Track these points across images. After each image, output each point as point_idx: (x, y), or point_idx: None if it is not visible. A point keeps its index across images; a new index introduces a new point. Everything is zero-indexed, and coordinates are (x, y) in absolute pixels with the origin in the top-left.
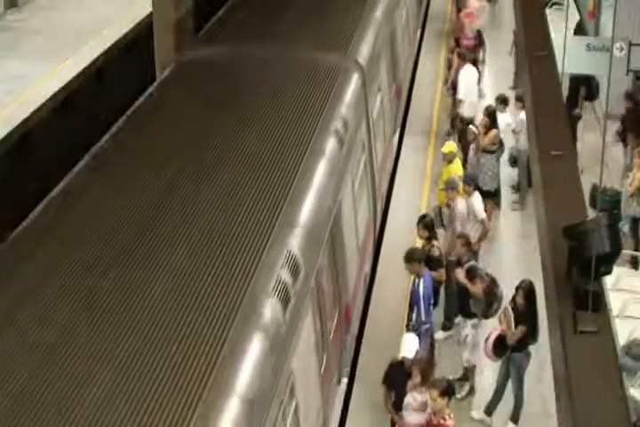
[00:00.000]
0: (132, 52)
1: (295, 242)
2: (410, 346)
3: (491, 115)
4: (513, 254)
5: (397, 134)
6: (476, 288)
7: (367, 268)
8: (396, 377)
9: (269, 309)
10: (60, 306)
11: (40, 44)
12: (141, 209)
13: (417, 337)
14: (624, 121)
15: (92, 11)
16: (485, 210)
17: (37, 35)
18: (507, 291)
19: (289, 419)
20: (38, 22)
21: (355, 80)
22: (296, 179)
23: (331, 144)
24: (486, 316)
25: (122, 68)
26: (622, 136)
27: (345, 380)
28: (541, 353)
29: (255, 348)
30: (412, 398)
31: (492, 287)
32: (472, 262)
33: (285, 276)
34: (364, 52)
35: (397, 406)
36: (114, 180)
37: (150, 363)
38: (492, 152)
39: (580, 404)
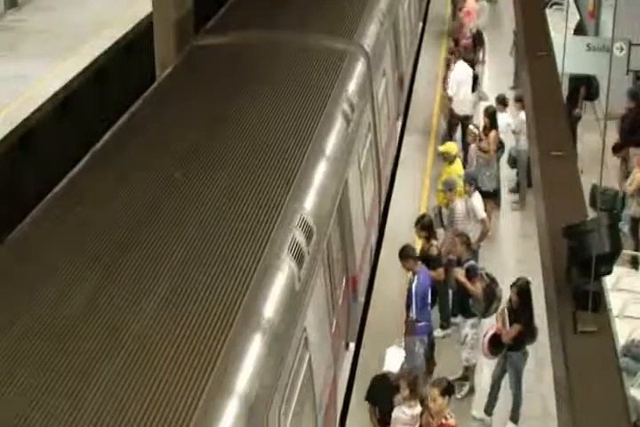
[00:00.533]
0: (132, 52)
1: (307, 209)
2: (393, 360)
3: (491, 116)
4: (513, 254)
5: (400, 124)
6: (475, 288)
7: (372, 243)
8: (381, 392)
9: (286, 265)
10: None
11: (40, 44)
12: (165, 171)
13: (402, 351)
14: (623, 120)
15: (92, 11)
16: (485, 210)
17: (37, 35)
18: (506, 291)
19: (303, 370)
20: (38, 22)
21: (360, 64)
22: (306, 154)
23: (338, 122)
24: (485, 315)
25: (122, 68)
26: (621, 135)
27: (352, 345)
28: (541, 353)
29: (273, 299)
30: (401, 411)
31: (492, 287)
32: (471, 262)
33: (300, 237)
34: (368, 38)
35: (383, 421)
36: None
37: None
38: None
39: (580, 404)
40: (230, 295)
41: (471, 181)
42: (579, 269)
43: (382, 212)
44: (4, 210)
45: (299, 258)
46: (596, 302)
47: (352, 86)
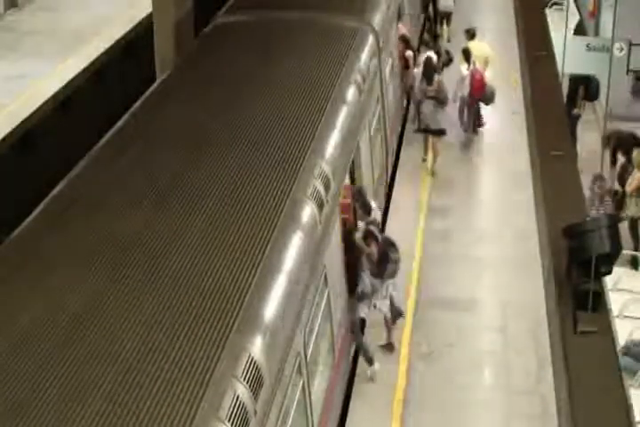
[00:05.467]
0: (132, 52)
1: (325, 164)
2: None
3: (425, 66)
4: (513, 254)
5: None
6: (370, 249)
7: (380, 209)
8: None
9: (308, 210)
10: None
11: (40, 44)
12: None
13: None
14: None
15: (92, 11)
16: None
17: (37, 35)
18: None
19: (323, 303)
20: (38, 22)
21: (369, 41)
22: (323, 119)
23: (351, 91)
24: (380, 276)
25: (122, 68)
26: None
27: None
28: (541, 353)
29: (295, 240)
30: None
31: (386, 250)
32: (370, 227)
33: (320, 187)
34: (377, 18)
35: None
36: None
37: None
38: (432, 98)
39: (580, 404)
40: (263, 229)
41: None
42: (579, 269)
43: (388, 184)
44: (4, 210)
45: (319, 204)
46: (596, 302)
47: (363, 60)
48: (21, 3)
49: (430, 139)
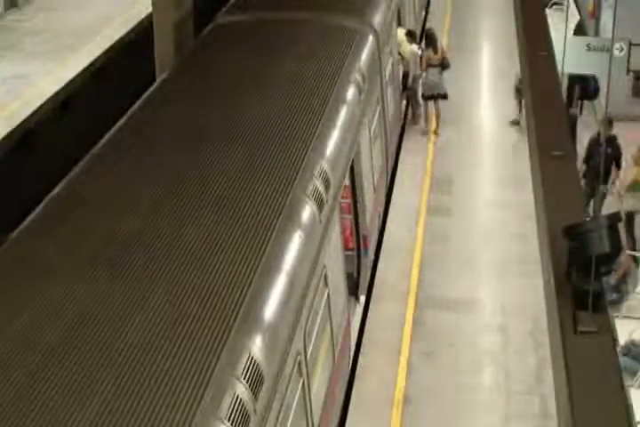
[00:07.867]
0: (132, 52)
1: (325, 163)
2: None
3: (428, 37)
4: (513, 254)
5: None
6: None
7: (380, 210)
8: None
9: (308, 209)
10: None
11: (40, 44)
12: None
13: None
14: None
15: (92, 11)
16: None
17: (37, 35)
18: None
19: (323, 302)
20: (38, 22)
21: (370, 41)
22: (322, 118)
23: (351, 91)
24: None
25: (122, 68)
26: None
27: (363, 298)
28: (541, 353)
29: (295, 240)
30: None
31: None
32: None
33: (320, 186)
34: (377, 18)
35: None
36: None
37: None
38: (435, 66)
39: (580, 404)
40: (263, 228)
41: None
42: (579, 269)
43: (388, 186)
44: (4, 210)
45: (319, 203)
46: (596, 302)
47: (363, 60)
48: (21, 2)
49: (429, 105)
